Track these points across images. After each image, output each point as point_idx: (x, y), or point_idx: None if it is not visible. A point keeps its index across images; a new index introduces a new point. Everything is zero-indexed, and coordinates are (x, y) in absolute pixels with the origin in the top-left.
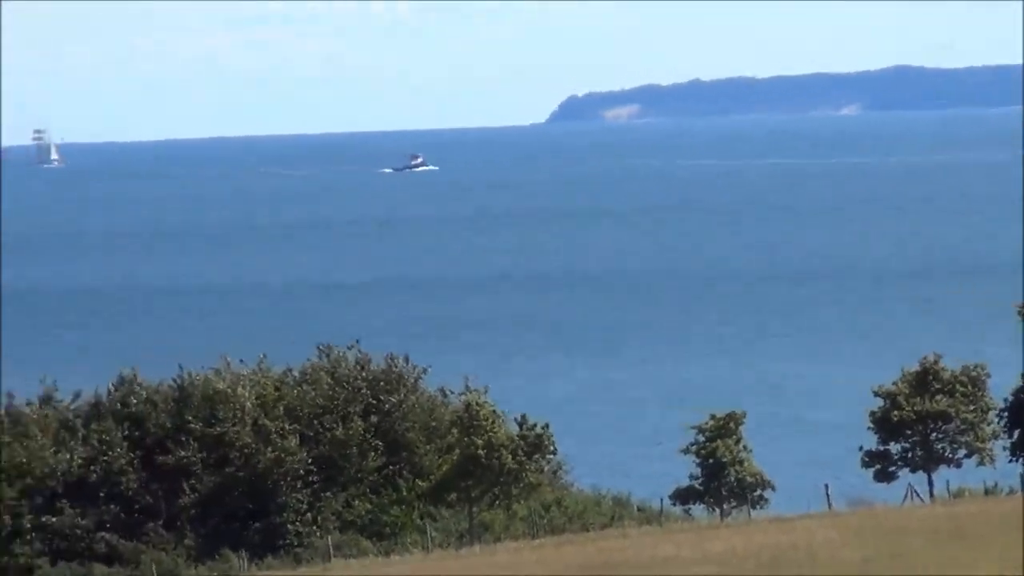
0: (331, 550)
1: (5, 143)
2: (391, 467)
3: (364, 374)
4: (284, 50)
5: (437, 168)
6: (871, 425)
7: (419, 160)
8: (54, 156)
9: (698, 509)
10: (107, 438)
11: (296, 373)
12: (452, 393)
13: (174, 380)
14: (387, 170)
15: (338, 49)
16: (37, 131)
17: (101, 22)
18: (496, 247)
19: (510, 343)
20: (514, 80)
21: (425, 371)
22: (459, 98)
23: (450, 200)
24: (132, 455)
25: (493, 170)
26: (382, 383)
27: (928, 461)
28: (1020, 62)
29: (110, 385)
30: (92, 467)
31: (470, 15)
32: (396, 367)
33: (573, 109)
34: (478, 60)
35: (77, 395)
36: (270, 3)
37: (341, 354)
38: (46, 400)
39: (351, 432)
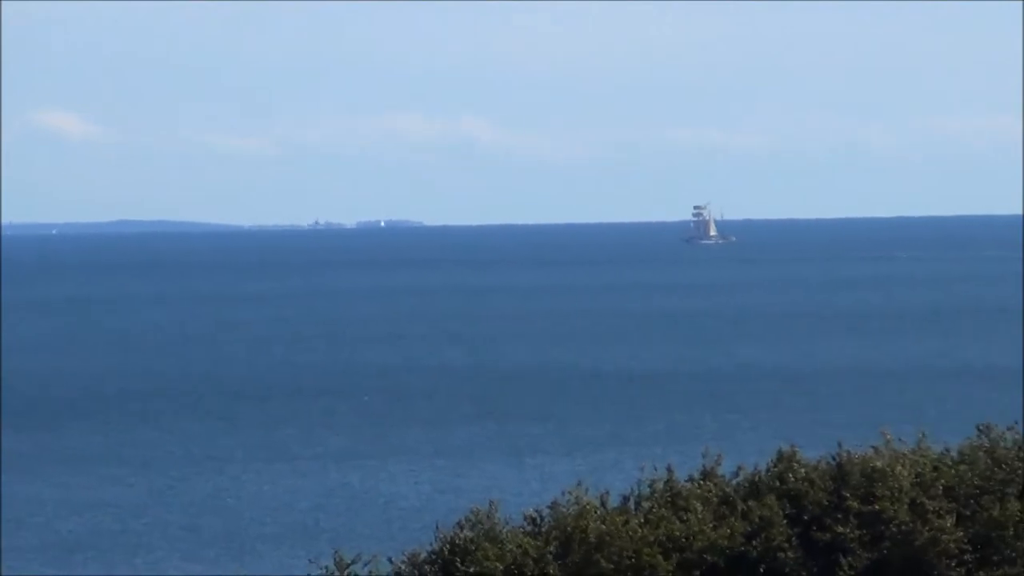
0: None
1: (669, 218)
2: None
3: (1022, 455)
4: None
5: None
6: None
7: None
8: (712, 232)
9: None
10: (767, 514)
11: (954, 453)
12: None
13: (832, 457)
14: None
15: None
16: (697, 207)
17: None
18: None
19: None
20: None
21: None
22: None
23: None
24: (791, 532)
25: None
26: None
27: None
28: None
29: (769, 462)
30: (752, 542)
31: None
32: None
33: None
34: None
35: (737, 471)
36: None
37: (1001, 434)
38: (706, 475)
39: (1008, 513)
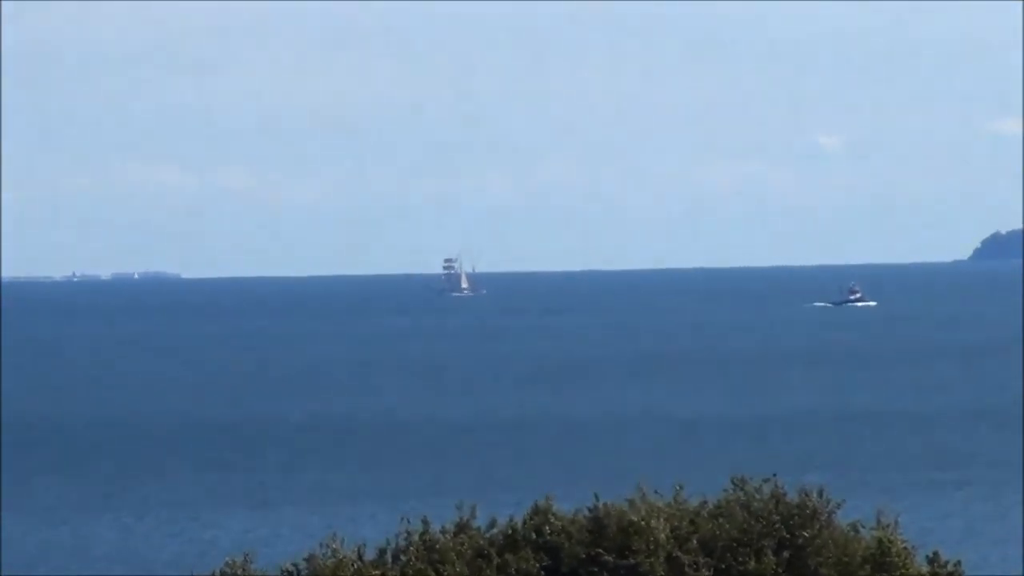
0: None
1: (419, 271)
2: None
3: (779, 508)
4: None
5: (875, 303)
6: None
7: (858, 294)
8: (464, 285)
9: None
10: (523, 567)
11: (711, 506)
12: (864, 527)
13: (589, 510)
14: (822, 304)
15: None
16: (448, 260)
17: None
18: (933, 382)
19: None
20: (934, 214)
21: (839, 505)
22: (878, 232)
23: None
24: None
25: (931, 306)
26: (796, 517)
27: None
28: None
29: (525, 514)
30: None
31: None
32: (811, 501)
33: (997, 247)
34: (897, 195)
35: (492, 523)
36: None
37: (757, 487)
38: (462, 528)
39: (764, 566)
